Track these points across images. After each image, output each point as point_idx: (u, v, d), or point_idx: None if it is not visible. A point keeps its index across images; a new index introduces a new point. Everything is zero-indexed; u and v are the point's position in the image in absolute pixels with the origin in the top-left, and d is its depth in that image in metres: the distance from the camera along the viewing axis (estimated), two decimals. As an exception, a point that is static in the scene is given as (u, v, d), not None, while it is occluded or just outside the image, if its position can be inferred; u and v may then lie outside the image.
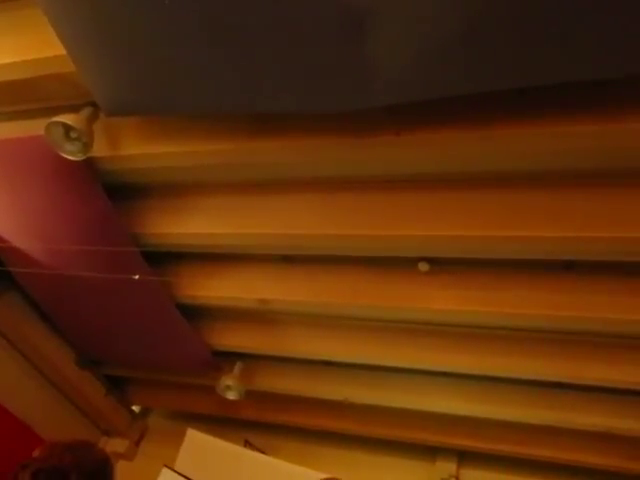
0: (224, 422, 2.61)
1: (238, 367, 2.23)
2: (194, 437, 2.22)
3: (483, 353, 1.74)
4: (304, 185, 1.49)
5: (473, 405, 1.96)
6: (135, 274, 1.73)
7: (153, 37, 1.06)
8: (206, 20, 1.00)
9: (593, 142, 1.08)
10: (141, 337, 2.18)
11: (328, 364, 2.13)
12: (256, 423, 2.56)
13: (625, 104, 1.03)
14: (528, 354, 1.68)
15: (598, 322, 1.43)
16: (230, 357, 2.23)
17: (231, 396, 2.22)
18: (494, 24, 0.88)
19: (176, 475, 1.96)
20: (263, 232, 1.52)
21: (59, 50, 1.16)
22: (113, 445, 2.81)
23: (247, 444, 2.36)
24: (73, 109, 1.35)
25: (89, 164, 1.46)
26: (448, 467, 2.35)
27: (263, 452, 2.27)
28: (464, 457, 2.36)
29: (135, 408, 2.99)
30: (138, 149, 1.42)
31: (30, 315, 2.23)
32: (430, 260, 1.55)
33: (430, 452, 2.39)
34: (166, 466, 2.00)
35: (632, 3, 0.81)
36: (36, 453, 1.28)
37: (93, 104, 1.34)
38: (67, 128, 1.31)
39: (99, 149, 1.41)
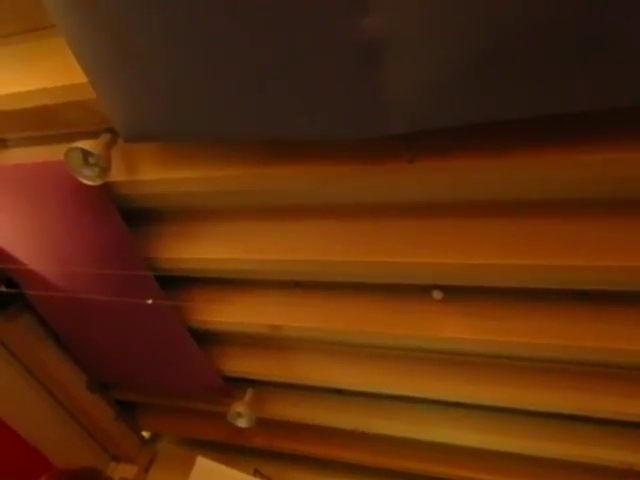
0: (234, 450, 2.58)
1: (249, 394, 2.21)
2: (203, 464, 2.20)
3: (497, 384, 1.71)
4: (317, 211, 1.49)
5: (488, 437, 1.92)
6: (149, 298, 1.74)
7: (171, 66, 1.09)
8: (225, 49, 1.02)
9: (608, 171, 1.08)
10: (152, 361, 2.18)
11: (340, 392, 2.10)
12: (266, 451, 2.52)
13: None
14: (543, 385, 1.65)
15: (614, 353, 1.40)
16: (241, 383, 2.22)
17: (242, 424, 2.20)
18: (511, 53, 0.89)
19: (184, 503, 1.94)
20: (275, 258, 1.53)
21: (81, 78, 1.19)
22: (122, 471, 2.78)
23: (257, 473, 2.33)
24: (92, 135, 1.38)
25: (106, 189, 1.49)
26: (461, 501, 2.29)
27: (273, 481, 2.24)
28: (478, 491, 2.30)
29: (145, 434, 2.97)
30: (154, 174, 1.44)
31: (43, 338, 2.24)
32: (444, 288, 1.54)
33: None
34: (174, 494, 1.98)
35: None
36: None
37: (112, 130, 1.37)
38: (86, 154, 1.33)
39: (116, 174, 1.43)
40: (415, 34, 0.91)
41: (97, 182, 1.39)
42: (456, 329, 1.53)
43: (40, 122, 1.47)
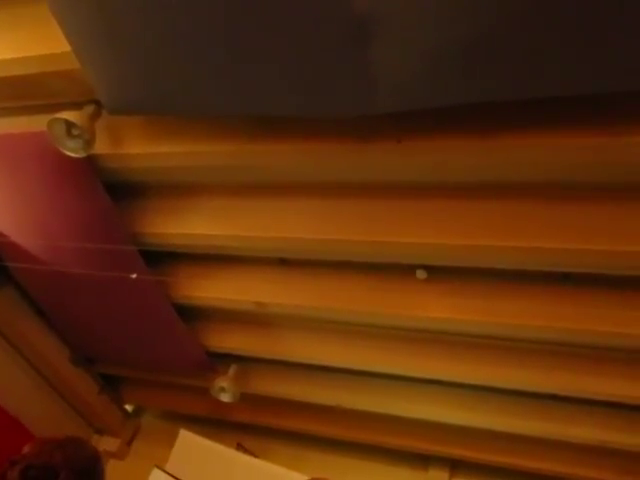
0: (217, 424, 2.60)
1: (233, 369, 2.22)
2: (186, 438, 2.21)
3: (479, 362, 1.73)
4: (303, 189, 1.49)
5: (467, 414, 1.95)
6: (133, 273, 1.73)
7: (158, 37, 1.07)
8: (210, 22, 1.00)
9: (594, 155, 1.08)
10: (136, 336, 2.18)
11: (323, 369, 2.12)
12: (249, 426, 2.55)
13: (626, 118, 1.03)
14: (524, 365, 1.68)
15: (595, 335, 1.43)
16: (225, 359, 2.23)
17: (225, 398, 2.21)
18: (501, 34, 0.89)
19: (167, 476, 1.95)
20: (261, 235, 1.52)
21: (64, 47, 1.16)
22: (105, 444, 2.80)
23: (239, 447, 2.35)
24: (76, 106, 1.35)
25: (90, 162, 1.47)
26: (440, 476, 2.34)
27: (255, 455, 2.26)
28: (457, 466, 2.35)
29: (128, 407, 2.98)
30: (139, 148, 1.42)
31: (26, 311, 2.23)
32: (428, 268, 1.55)
33: (423, 460, 2.38)
34: (157, 466, 1.99)
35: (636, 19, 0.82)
36: (26, 450, 1.27)
37: (96, 102, 1.34)
38: (69, 125, 1.31)
39: (100, 147, 1.40)
40: (405, 12, 0.89)
41: (81, 154, 1.37)
42: (439, 308, 1.55)
43: (22, 92, 1.43)
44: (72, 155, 1.37)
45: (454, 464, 2.35)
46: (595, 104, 1.04)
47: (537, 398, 1.85)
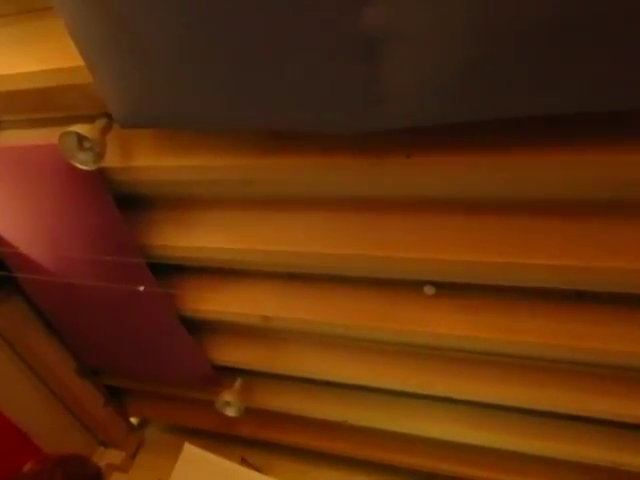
0: (221, 438, 2.59)
1: (238, 383, 2.21)
2: (190, 452, 2.20)
3: (488, 380, 1.71)
4: (312, 203, 1.49)
5: (476, 433, 1.93)
6: (141, 285, 1.73)
7: (169, 52, 1.08)
8: (222, 36, 1.01)
9: (609, 173, 1.08)
10: (143, 348, 2.18)
11: (329, 384, 2.11)
12: (253, 441, 2.53)
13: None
14: (535, 383, 1.66)
15: (610, 354, 1.41)
16: (231, 373, 2.22)
17: (230, 412, 2.20)
18: (511, 50, 0.89)
19: (170, 490, 1.94)
20: (269, 249, 1.52)
21: (78, 61, 1.18)
22: (109, 456, 2.79)
23: (243, 461, 2.34)
24: (88, 119, 1.36)
25: (100, 174, 1.47)
26: (447, 495, 2.31)
27: (259, 470, 2.25)
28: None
29: (133, 420, 2.97)
30: (150, 161, 1.43)
31: (33, 321, 2.23)
32: (436, 284, 1.54)
33: (430, 479, 2.35)
34: (161, 480, 1.98)
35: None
36: (27, 468, 1.26)
37: (108, 115, 1.36)
38: (81, 138, 1.32)
39: (111, 160, 1.42)
40: (417, 29, 0.90)
41: (91, 167, 1.38)
42: (448, 325, 1.54)
43: (35, 105, 1.45)
44: (83, 168, 1.38)
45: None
46: (611, 120, 1.04)
47: (548, 417, 1.83)
